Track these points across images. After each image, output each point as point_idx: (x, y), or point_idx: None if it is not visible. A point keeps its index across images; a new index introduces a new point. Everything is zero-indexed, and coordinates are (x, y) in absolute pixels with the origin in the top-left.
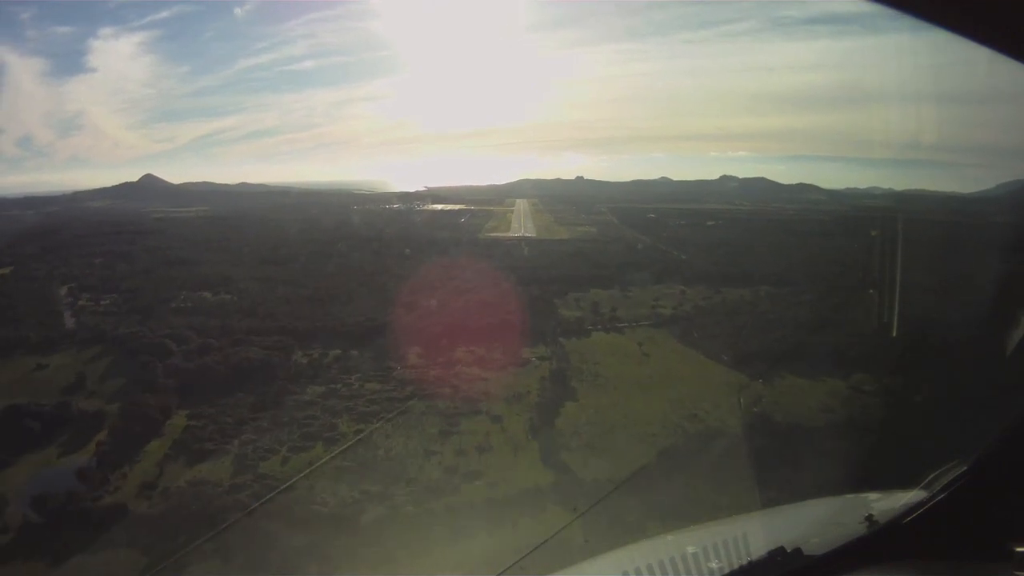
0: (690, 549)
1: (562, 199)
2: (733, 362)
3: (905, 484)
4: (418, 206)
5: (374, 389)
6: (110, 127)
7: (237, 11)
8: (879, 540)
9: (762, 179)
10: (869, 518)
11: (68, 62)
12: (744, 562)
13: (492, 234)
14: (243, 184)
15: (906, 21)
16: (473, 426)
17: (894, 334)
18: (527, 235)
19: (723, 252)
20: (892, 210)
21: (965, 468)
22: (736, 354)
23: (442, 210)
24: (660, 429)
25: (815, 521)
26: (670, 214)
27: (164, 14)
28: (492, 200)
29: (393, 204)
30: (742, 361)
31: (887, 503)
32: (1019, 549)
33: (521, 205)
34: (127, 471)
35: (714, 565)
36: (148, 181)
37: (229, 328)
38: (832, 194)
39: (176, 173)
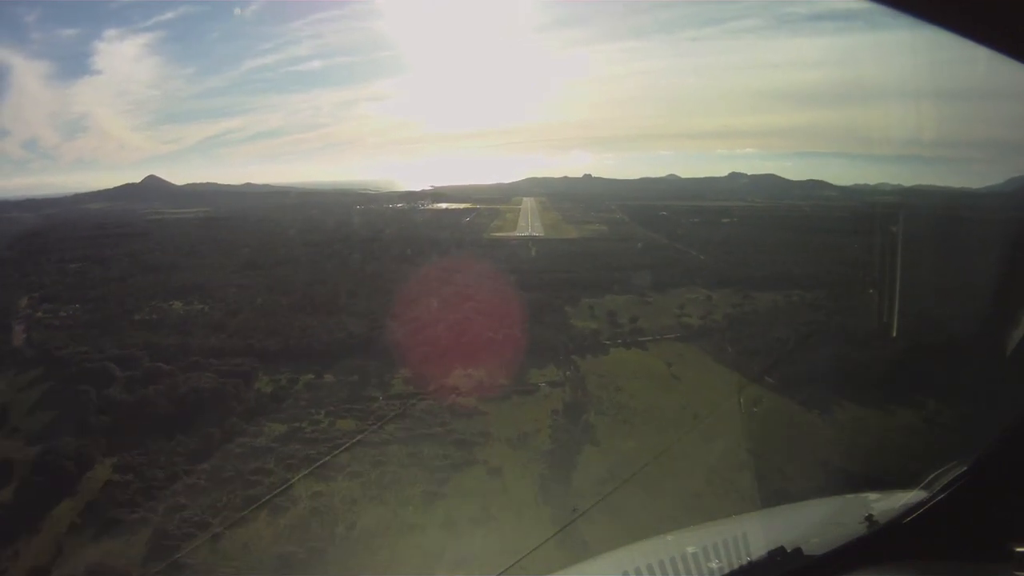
0: (690, 549)
1: (569, 197)
2: (781, 385)
3: (906, 484)
4: (422, 205)
5: (346, 429)
6: (116, 129)
7: (240, 12)
8: (879, 540)
9: (771, 176)
10: (869, 518)
11: (73, 64)
12: (744, 562)
13: (497, 234)
14: (248, 184)
15: (908, 19)
16: (466, 483)
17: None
18: (534, 234)
19: (744, 252)
20: (908, 206)
21: (965, 468)
22: (784, 376)
23: (446, 209)
24: (706, 486)
25: (815, 521)
26: (682, 211)
27: (169, 15)
28: (498, 199)
29: (396, 203)
30: (791, 384)
31: (887, 503)
32: (1019, 549)
33: (528, 203)
34: (19, 548)
35: (714, 565)
36: (151, 182)
37: (188, 347)
38: (843, 190)
39: (182, 174)
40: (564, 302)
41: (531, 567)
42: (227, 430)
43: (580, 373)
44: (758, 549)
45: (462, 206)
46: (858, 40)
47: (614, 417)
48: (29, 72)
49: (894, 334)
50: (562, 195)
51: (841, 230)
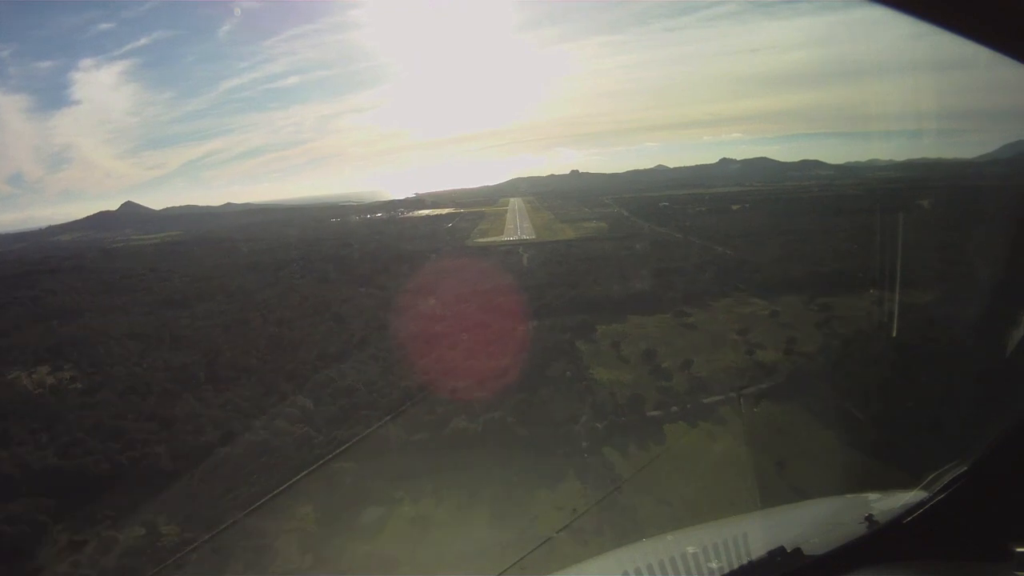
0: (690, 549)
1: (559, 194)
2: None
3: (907, 484)
4: (401, 213)
5: None
6: (99, 157)
7: (238, 11)
8: (879, 540)
9: (763, 159)
10: (869, 518)
11: (52, 96)
12: (744, 562)
13: (483, 239)
14: (228, 204)
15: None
16: None
17: None
18: (525, 238)
19: (776, 243)
20: (921, 180)
21: (965, 468)
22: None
23: (428, 215)
24: None
25: (815, 521)
26: (682, 200)
27: (143, 41)
28: (484, 201)
29: (376, 213)
30: None
31: (887, 503)
32: (1019, 549)
33: (515, 203)
34: None
35: (714, 565)
36: (128, 208)
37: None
38: (839, 168)
39: (167, 199)
40: (573, 334)
41: (531, 567)
42: None
43: (620, 497)
44: (758, 549)
45: (444, 211)
46: (834, 19)
47: None
48: (9, 107)
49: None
50: (550, 193)
51: (868, 208)
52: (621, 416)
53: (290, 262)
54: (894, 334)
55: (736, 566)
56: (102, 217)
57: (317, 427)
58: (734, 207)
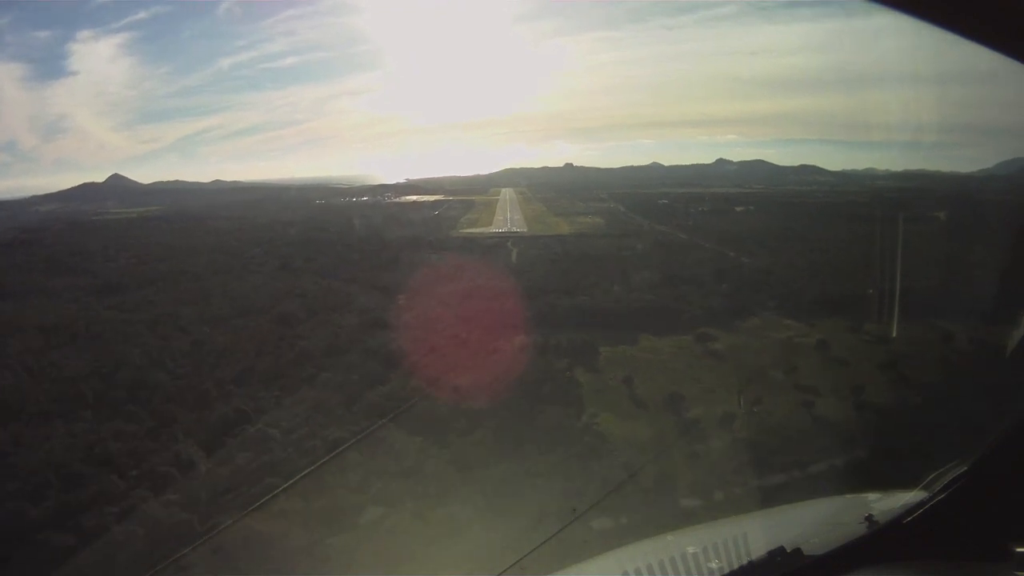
0: (690, 549)
1: (551, 187)
2: None
3: (905, 484)
4: (387, 198)
5: None
6: (95, 129)
7: (216, 9)
8: (879, 540)
9: (760, 161)
10: (869, 518)
11: (49, 66)
12: (744, 562)
13: (469, 230)
14: (217, 182)
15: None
16: None
17: None
18: (515, 230)
19: (796, 251)
20: (928, 190)
21: (965, 468)
22: None
23: (414, 201)
24: None
25: (815, 521)
26: (682, 199)
27: (142, 15)
28: (474, 189)
29: (361, 197)
30: None
31: (887, 503)
32: (1019, 549)
33: (507, 193)
34: None
35: (714, 565)
36: (115, 181)
37: None
38: (838, 175)
39: (158, 174)
40: (571, 359)
41: (531, 567)
42: None
43: None
44: (758, 549)
45: (432, 198)
46: (834, 27)
47: None
48: (5, 75)
49: None
50: (543, 185)
51: (885, 217)
52: (644, 507)
53: (257, 244)
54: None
55: (736, 566)
56: (86, 189)
57: (200, 505)
58: (739, 208)
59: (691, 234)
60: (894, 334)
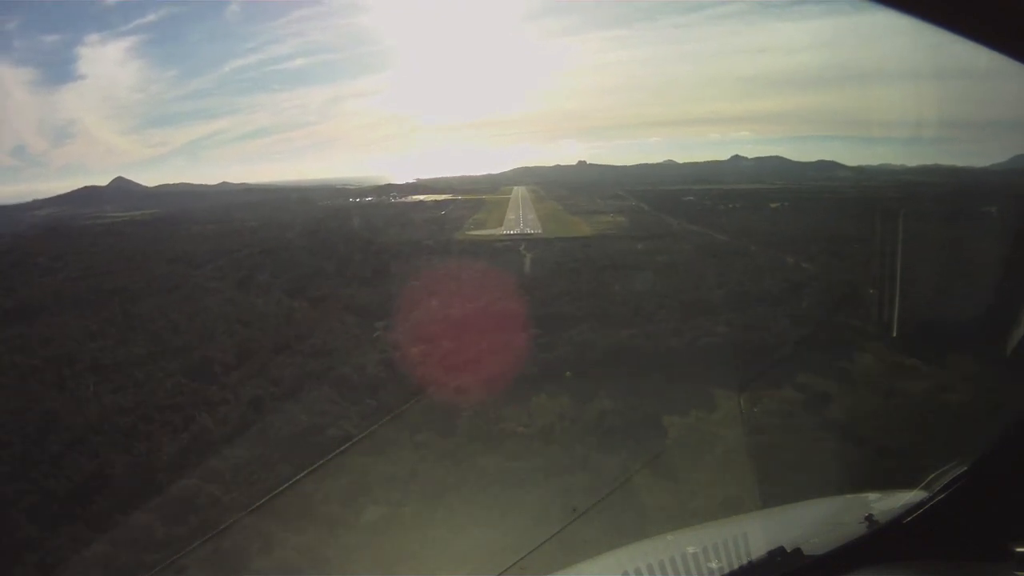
0: (690, 549)
1: (565, 185)
2: None
3: (905, 484)
4: (392, 198)
5: None
6: (103, 133)
7: (224, 11)
8: (879, 540)
9: (777, 157)
10: (869, 518)
11: (58, 70)
12: (744, 562)
13: (477, 232)
14: (224, 184)
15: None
16: None
17: None
18: (528, 231)
19: (862, 256)
20: (956, 185)
21: (965, 468)
22: None
23: (420, 201)
24: None
25: (815, 521)
26: (708, 195)
27: (150, 17)
28: (487, 188)
29: (366, 197)
30: None
31: (887, 503)
32: (1019, 549)
33: (518, 192)
34: None
35: (714, 565)
36: (118, 184)
37: None
38: (857, 171)
39: (166, 177)
40: (620, 438)
41: (531, 567)
42: None
43: None
44: (758, 549)
45: (440, 197)
46: (845, 23)
47: None
48: (14, 79)
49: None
50: (556, 183)
51: (943, 215)
52: None
53: (227, 252)
54: None
55: (736, 566)
56: (88, 192)
57: None
58: (773, 205)
59: (731, 235)
60: None
